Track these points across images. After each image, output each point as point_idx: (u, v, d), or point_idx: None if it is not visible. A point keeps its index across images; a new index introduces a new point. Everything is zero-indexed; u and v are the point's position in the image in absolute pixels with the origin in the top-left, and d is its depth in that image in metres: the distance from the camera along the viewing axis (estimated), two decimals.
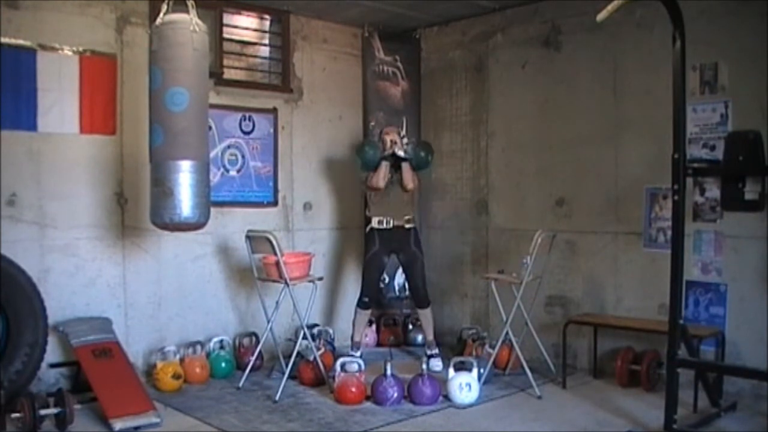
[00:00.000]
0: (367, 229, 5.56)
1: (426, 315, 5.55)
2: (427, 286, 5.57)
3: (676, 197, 3.85)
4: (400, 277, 6.18)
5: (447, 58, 6.38)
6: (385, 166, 5.30)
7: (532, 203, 5.76)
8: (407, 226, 5.44)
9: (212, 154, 5.46)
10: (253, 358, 5.10)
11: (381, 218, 5.40)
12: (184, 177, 4.00)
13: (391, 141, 5.34)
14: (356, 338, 5.52)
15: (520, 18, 5.79)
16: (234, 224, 5.59)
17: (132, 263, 5.12)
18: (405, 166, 5.31)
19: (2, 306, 4.33)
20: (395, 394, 4.55)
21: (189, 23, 3.97)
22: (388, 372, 4.57)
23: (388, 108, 6.46)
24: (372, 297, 5.54)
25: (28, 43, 4.60)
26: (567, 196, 5.54)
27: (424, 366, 4.66)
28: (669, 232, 4.50)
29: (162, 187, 3.98)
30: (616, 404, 4.52)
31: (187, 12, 3.99)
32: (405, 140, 5.40)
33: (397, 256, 5.52)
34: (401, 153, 5.28)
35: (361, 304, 5.49)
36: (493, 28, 6.00)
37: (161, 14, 3.99)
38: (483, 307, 6.12)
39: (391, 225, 5.38)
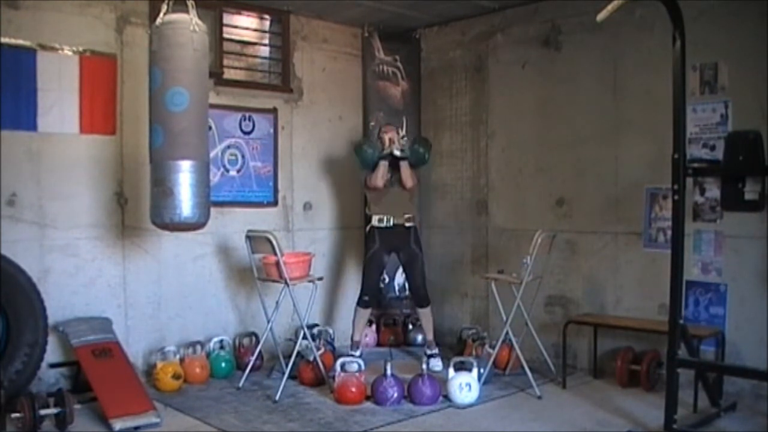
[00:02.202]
0: (368, 228, 5.56)
1: (426, 314, 5.55)
2: (427, 285, 5.57)
3: (676, 197, 3.85)
4: (400, 277, 6.18)
5: (447, 58, 6.38)
6: (383, 166, 5.31)
7: (532, 203, 5.76)
8: (407, 224, 5.44)
9: (212, 154, 5.46)
10: (253, 358, 5.10)
11: (381, 216, 5.40)
12: (184, 177, 3.99)
13: (389, 139, 5.34)
14: (356, 338, 5.52)
15: (520, 18, 5.79)
16: (234, 224, 5.59)
17: (132, 263, 5.12)
18: (403, 164, 5.32)
19: (2, 306, 4.33)
20: (395, 394, 4.55)
21: (189, 23, 3.97)
22: (388, 372, 4.57)
23: (388, 108, 6.46)
24: (372, 295, 5.54)
25: (28, 43, 4.60)
26: (567, 195, 5.54)
27: (424, 366, 4.66)
28: (669, 232, 4.50)
29: (162, 187, 3.98)
30: (616, 404, 4.52)
31: (187, 12, 3.99)
32: (404, 139, 5.40)
33: (397, 254, 5.52)
34: (398, 152, 5.29)
35: (361, 303, 5.49)
36: (493, 28, 6.00)
37: (161, 14, 3.98)
38: (483, 307, 6.12)
39: (392, 223, 5.38)
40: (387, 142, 5.32)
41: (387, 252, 5.48)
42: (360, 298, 5.50)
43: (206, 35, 4.14)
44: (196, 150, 4.07)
